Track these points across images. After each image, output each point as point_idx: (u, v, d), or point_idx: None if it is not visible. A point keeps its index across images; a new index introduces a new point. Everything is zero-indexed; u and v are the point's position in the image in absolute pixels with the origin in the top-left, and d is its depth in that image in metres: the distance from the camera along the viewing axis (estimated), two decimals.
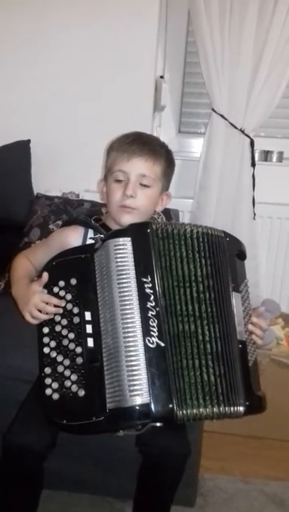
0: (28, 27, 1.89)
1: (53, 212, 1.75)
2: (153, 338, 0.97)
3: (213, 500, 1.50)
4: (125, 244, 1.03)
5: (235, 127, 1.86)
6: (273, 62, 1.78)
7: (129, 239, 1.03)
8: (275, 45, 1.76)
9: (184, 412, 0.96)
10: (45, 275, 1.10)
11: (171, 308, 1.01)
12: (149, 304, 0.99)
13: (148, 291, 1.00)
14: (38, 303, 1.09)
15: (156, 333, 0.98)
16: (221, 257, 1.08)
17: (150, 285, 1.00)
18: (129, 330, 0.98)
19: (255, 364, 1.09)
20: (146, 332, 0.98)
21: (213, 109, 1.87)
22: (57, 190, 1.93)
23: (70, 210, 1.77)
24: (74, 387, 1.01)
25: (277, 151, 2.00)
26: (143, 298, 1.00)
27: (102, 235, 1.17)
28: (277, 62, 1.77)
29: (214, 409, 0.98)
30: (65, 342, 1.05)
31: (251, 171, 1.91)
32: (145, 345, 0.97)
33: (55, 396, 1.03)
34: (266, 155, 2.01)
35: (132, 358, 0.97)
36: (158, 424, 0.99)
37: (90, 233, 1.24)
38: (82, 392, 1.00)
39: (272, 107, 1.84)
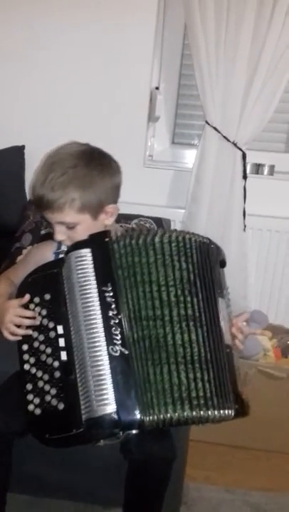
0: (25, 35, 1.90)
1: (45, 218, 1.75)
2: (116, 347, 0.98)
3: (197, 509, 1.50)
4: (85, 255, 1.04)
5: (228, 140, 1.88)
6: (267, 76, 1.80)
7: (88, 250, 1.04)
8: (269, 60, 1.78)
9: (152, 417, 0.97)
10: (27, 296, 1.11)
11: (136, 315, 1.01)
12: (110, 313, 1.00)
13: (109, 299, 1.00)
14: (12, 318, 1.10)
15: (120, 341, 0.98)
16: (204, 261, 1.08)
17: (111, 293, 1.01)
18: (94, 340, 0.99)
19: (236, 367, 1.10)
20: (109, 341, 0.98)
21: (206, 122, 1.89)
22: None
23: None
24: (54, 401, 1.02)
25: (269, 165, 2.02)
26: (104, 307, 1.00)
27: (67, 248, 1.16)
28: (270, 77, 1.80)
29: (188, 412, 0.98)
30: (43, 357, 1.05)
31: (243, 183, 1.93)
32: (109, 354, 0.98)
33: (37, 411, 1.03)
34: (258, 168, 2.04)
35: (98, 368, 0.98)
36: (133, 432, 1.00)
37: (63, 246, 1.24)
38: (61, 406, 1.01)
39: (265, 121, 1.86)
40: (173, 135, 2.10)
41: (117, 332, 0.99)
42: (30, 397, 1.05)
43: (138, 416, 0.95)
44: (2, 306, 1.15)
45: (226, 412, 1.01)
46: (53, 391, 1.02)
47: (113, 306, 1.00)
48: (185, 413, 0.98)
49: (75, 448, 1.30)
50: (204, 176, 1.93)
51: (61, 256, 1.16)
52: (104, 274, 1.02)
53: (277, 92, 1.83)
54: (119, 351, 0.98)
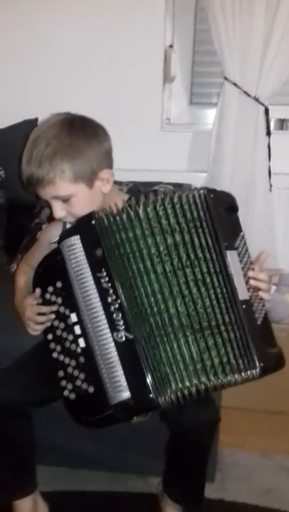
0: (37, 5, 1.84)
1: (40, 198, 1.71)
2: (120, 333, 0.97)
3: (233, 475, 1.50)
4: (75, 242, 1.01)
5: (249, 95, 1.79)
6: (287, 25, 1.69)
7: (77, 236, 1.01)
8: (288, 9, 1.67)
9: (166, 397, 0.96)
10: (38, 291, 1.11)
11: (134, 295, 0.98)
12: (109, 299, 0.98)
13: (105, 285, 0.98)
14: (30, 316, 1.12)
15: (123, 326, 0.97)
16: (200, 216, 1.01)
17: (106, 279, 0.98)
18: (99, 329, 0.99)
19: (266, 320, 1.05)
20: (112, 328, 0.98)
21: (225, 78, 1.80)
22: None
23: None
24: (84, 385, 1.04)
25: None
26: (103, 293, 0.99)
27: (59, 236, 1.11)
28: None
29: (206, 382, 0.97)
30: (67, 344, 1.07)
31: (266, 140, 1.85)
32: (114, 340, 0.97)
33: (72, 396, 1.06)
34: (282, 123, 1.95)
35: (107, 356, 0.99)
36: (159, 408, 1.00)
37: (68, 225, 1.21)
38: (91, 389, 1.03)
39: (287, 74, 1.76)
40: (190, 95, 2.01)
41: (119, 317, 0.98)
42: (63, 383, 1.07)
43: (152, 398, 0.95)
44: (21, 304, 1.18)
45: (249, 373, 0.99)
46: (82, 376, 1.04)
47: (111, 291, 0.98)
48: (202, 383, 0.97)
49: None
50: (225, 136, 1.85)
51: None
52: (97, 260, 0.99)
53: None
54: (124, 336, 0.97)
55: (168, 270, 0.99)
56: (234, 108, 1.82)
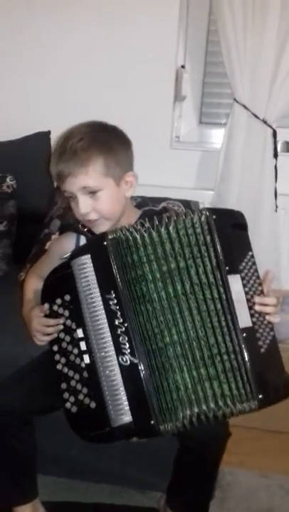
0: (50, 16, 1.88)
1: (66, 199, 1.73)
2: (126, 356, 0.97)
3: (233, 493, 1.49)
4: (86, 262, 1.02)
5: (258, 117, 1.82)
6: None
7: (88, 256, 1.01)
8: None
9: (167, 424, 0.97)
10: (46, 306, 1.11)
11: (139, 320, 0.98)
12: (117, 321, 0.98)
13: (113, 307, 0.98)
14: (37, 327, 1.12)
15: (128, 350, 0.97)
16: (203, 241, 1.00)
17: (115, 301, 0.99)
18: (105, 350, 0.99)
19: (273, 346, 1.01)
20: (118, 351, 0.98)
21: (234, 99, 1.83)
22: None
23: None
24: (86, 400, 1.03)
25: None
26: (110, 315, 0.99)
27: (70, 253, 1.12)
28: None
29: (203, 413, 0.97)
30: (72, 357, 1.06)
31: (273, 162, 1.87)
32: (119, 363, 0.97)
33: (74, 409, 1.05)
34: None
35: (112, 378, 0.98)
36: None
37: (82, 238, 1.24)
38: (93, 405, 1.02)
39: None
40: (200, 114, 2.05)
41: (125, 341, 0.98)
42: (66, 395, 1.06)
43: (154, 425, 0.96)
44: (28, 315, 1.18)
45: (246, 405, 0.97)
46: (85, 390, 1.04)
47: (118, 314, 0.98)
48: (202, 413, 0.97)
49: None
50: (233, 156, 1.88)
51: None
52: (107, 281, 1.00)
53: None
54: (128, 360, 0.97)
55: (171, 296, 0.99)
56: (243, 129, 1.86)
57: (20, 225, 1.78)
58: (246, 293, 1.01)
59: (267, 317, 1.03)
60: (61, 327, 1.08)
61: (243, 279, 1.01)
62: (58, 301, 1.09)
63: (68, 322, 1.07)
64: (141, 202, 1.73)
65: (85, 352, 1.03)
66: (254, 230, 1.94)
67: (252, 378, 0.97)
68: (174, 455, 1.21)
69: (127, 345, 0.97)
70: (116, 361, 0.98)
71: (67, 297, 1.06)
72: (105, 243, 1.01)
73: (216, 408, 0.97)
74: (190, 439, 1.12)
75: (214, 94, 2.02)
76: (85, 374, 1.03)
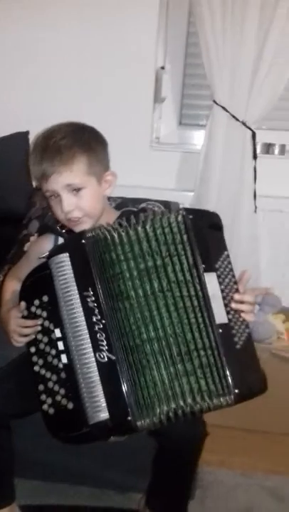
0: (27, 18, 1.86)
1: (48, 199, 1.72)
2: (103, 353, 0.97)
3: (213, 493, 1.50)
4: (64, 260, 1.02)
5: (237, 119, 1.84)
6: (276, 52, 1.74)
7: (66, 254, 1.02)
8: (278, 35, 1.72)
9: (144, 420, 0.96)
10: (23, 304, 1.11)
11: (116, 318, 0.99)
12: (94, 318, 0.98)
13: (91, 304, 0.99)
14: (14, 328, 1.12)
15: (106, 347, 0.97)
16: (180, 240, 1.02)
17: (93, 298, 0.99)
18: (82, 348, 0.99)
19: (248, 343, 1.03)
20: (95, 347, 0.98)
21: (214, 101, 1.84)
22: None
23: None
24: (64, 401, 1.03)
25: (280, 144, 1.98)
26: (88, 312, 0.99)
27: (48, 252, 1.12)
28: (280, 53, 1.74)
29: (179, 408, 0.97)
30: (49, 358, 1.06)
31: (253, 163, 1.89)
32: (97, 361, 0.97)
33: (51, 411, 1.05)
34: (268, 148, 1.99)
35: (89, 375, 0.98)
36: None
37: (61, 239, 1.24)
38: (70, 405, 1.02)
39: (275, 100, 1.81)
40: (180, 116, 2.06)
41: (103, 337, 0.98)
42: (43, 397, 1.06)
43: (130, 421, 0.95)
44: (6, 316, 1.18)
45: (222, 399, 0.98)
46: (62, 391, 1.03)
47: (96, 311, 0.99)
48: (180, 408, 0.97)
49: None
50: (213, 157, 1.89)
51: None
52: (84, 278, 1.00)
53: (287, 68, 1.77)
54: (106, 357, 0.97)
55: (148, 293, 1.00)
56: (222, 131, 1.87)
57: None
58: (222, 290, 1.03)
59: (242, 315, 1.04)
60: (38, 328, 1.08)
61: (218, 277, 1.03)
62: (36, 302, 1.08)
63: (46, 323, 1.07)
64: (121, 203, 1.73)
65: (62, 352, 1.02)
66: (234, 231, 1.95)
67: (228, 373, 0.98)
68: (153, 456, 1.21)
69: (105, 342, 0.97)
70: (93, 358, 0.98)
71: (45, 298, 1.06)
72: (83, 241, 1.02)
73: (192, 403, 0.97)
74: (167, 440, 1.13)
75: (194, 96, 2.03)
76: (63, 374, 1.03)
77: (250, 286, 1.13)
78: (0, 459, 1.21)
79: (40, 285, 1.08)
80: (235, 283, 1.06)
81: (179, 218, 1.03)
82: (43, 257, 1.08)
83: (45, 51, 1.90)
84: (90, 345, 0.98)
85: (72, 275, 1.01)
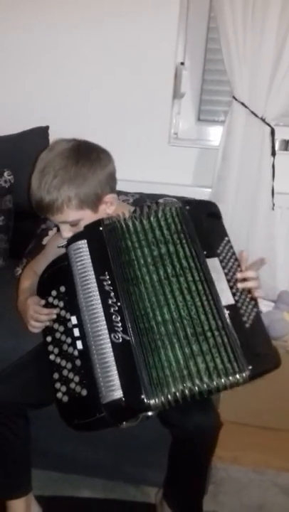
0: (50, 13, 1.87)
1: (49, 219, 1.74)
2: (118, 334, 1.01)
3: (225, 489, 1.51)
4: (82, 246, 1.08)
5: (256, 115, 1.83)
6: None
7: (85, 241, 1.08)
8: None
9: (157, 399, 0.97)
10: (42, 302, 1.16)
11: (131, 300, 1.03)
12: (110, 301, 1.03)
13: (107, 288, 1.04)
14: (32, 314, 1.17)
15: (121, 328, 1.01)
16: (185, 227, 1.09)
17: (109, 282, 1.04)
18: (98, 329, 1.03)
19: (257, 321, 1.05)
20: (110, 328, 1.01)
21: (233, 97, 1.83)
22: None
23: None
24: (78, 388, 1.05)
25: None
26: (104, 295, 1.04)
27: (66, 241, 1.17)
28: None
29: (193, 387, 0.98)
30: (65, 347, 1.09)
31: (271, 160, 1.88)
32: (112, 341, 1.00)
33: (65, 398, 1.07)
34: (287, 144, 1.98)
35: (103, 356, 1.01)
36: (149, 414, 1.02)
37: None
38: (84, 392, 1.04)
39: None
40: (199, 112, 2.05)
41: (118, 319, 1.02)
42: (57, 385, 1.09)
43: (143, 399, 0.97)
44: (25, 303, 1.22)
45: (238, 376, 0.99)
46: (76, 378, 1.06)
47: (112, 294, 1.03)
48: (196, 386, 0.98)
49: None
50: (231, 154, 1.88)
51: None
52: (101, 263, 1.06)
53: None
54: (121, 338, 1.01)
55: (162, 278, 1.05)
56: (241, 127, 1.86)
57: (18, 220, 1.78)
58: (226, 274, 1.07)
59: (252, 291, 1.07)
60: (54, 316, 1.12)
61: (221, 261, 1.08)
62: (54, 293, 1.14)
63: (62, 313, 1.11)
64: (139, 198, 1.74)
65: (78, 338, 1.06)
66: (251, 228, 1.95)
67: (240, 351, 1.00)
68: (168, 450, 1.22)
69: (120, 323, 1.01)
70: (108, 339, 1.01)
71: (62, 288, 1.11)
72: (101, 228, 1.09)
73: (208, 381, 0.99)
74: (181, 431, 1.14)
75: (213, 92, 2.02)
76: (78, 362, 1.06)
77: (267, 284, 1.15)
78: (17, 448, 1.24)
79: (57, 277, 1.13)
80: (239, 265, 1.10)
81: (178, 210, 1.11)
82: (61, 246, 1.14)
83: (66, 47, 1.91)
84: (106, 327, 1.02)
85: (90, 260, 1.06)
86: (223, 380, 0.99)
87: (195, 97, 2.02)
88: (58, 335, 1.11)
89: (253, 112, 1.83)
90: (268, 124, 1.84)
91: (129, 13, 1.84)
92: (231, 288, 1.06)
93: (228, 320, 1.02)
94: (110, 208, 1.21)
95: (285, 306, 1.82)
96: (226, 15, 1.72)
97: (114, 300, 1.02)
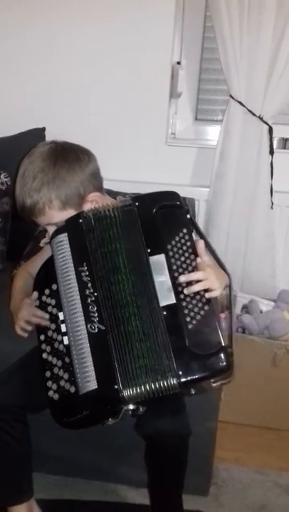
0: (43, 14, 1.87)
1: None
2: (94, 324, 1.02)
3: (227, 490, 1.50)
4: (63, 239, 1.09)
5: (254, 114, 1.82)
6: None
7: (65, 234, 1.10)
8: None
9: (131, 391, 0.98)
10: (35, 294, 1.17)
11: (108, 291, 1.04)
12: (87, 291, 1.04)
13: (85, 278, 1.05)
14: (25, 315, 1.18)
15: (97, 318, 1.02)
16: (132, 225, 1.08)
17: (87, 272, 1.05)
18: (75, 320, 1.03)
19: (206, 321, 1.01)
20: (87, 319, 1.02)
21: (230, 96, 1.83)
22: None
23: None
24: (67, 385, 1.05)
25: None
26: (82, 286, 1.05)
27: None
28: None
29: (153, 384, 0.98)
30: (56, 345, 1.10)
31: (269, 158, 1.87)
32: (88, 331, 1.01)
33: (56, 396, 1.07)
34: (285, 142, 1.97)
35: (80, 347, 1.02)
36: (130, 407, 1.02)
37: None
38: (73, 389, 1.04)
39: None
40: (196, 111, 2.05)
41: (94, 309, 1.03)
42: (49, 383, 1.08)
43: (117, 390, 0.97)
44: (17, 305, 1.24)
45: (168, 382, 0.97)
46: (66, 376, 1.06)
47: (89, 284, 1.05)
48: (155, 385, 0.98)
49: (103, 428, 1.32)
50: (229, 153, 1.88)
51: None
52: (80, 255, 1.07)
53: None
54: (97, 328, 1.02)
55: (119, 278, 1.05)
56: (238, 126, 1.85)
57: (15, 222, 1.77)
58: (174, 270, 1.04)
59: (206, 294, 1.03)
60: (47, 318, 1.12)
61: (171, 257, 1.05)
62: (47, 291, 1.15)
63: (54, 310, 1.12)
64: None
65: (64, 334, 1.07)
66: (250, 227, 1.94)
67: (173, 355, 0.98)
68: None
69: (96, 313, 1.02)
70: (85, 330, 1.02)
71: (54, 286, 1.12)
72: (80, 221, 1.10)
73: (152, 383, 0.98)
74: (148, 433, 1.15)
75: (210, 91, 2.01)
76: (66, 359, 1.06)
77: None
78: (18, 453, 1.23)
79: (50, 275, 1.13)
80: (194, 259, 1.06)
81: (126, 206, 1.10)
82: (47, 242, 1.17)
83: (62, 48, 1.90)
84: (83, 317, 1.02)
85: (70, 253, 1.08)
86: (162, 383, 0.98)
87: (192, 96, 2.02)
88: (50, 333, 1.12)
89: (250, 111, 1.82)
90: (266, 123, 1.83)
91: (125, 13, 1.83)
92: (176, 286, 1.03)
93: (163, 321, 1.00)
94: (96, 206, 1.19)
95: (285, 305, 1.81)
96: (222, 13, 1.71)
97: (92, 290, 1.03)
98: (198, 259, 1.06)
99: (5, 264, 1.75)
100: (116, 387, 0.97)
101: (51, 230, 1.17)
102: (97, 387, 0.98)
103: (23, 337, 1.23)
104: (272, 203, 1.91)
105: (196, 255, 1.06)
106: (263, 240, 1.93)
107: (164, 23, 1.85)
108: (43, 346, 1.12)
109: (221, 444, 1.45)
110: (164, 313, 1.01)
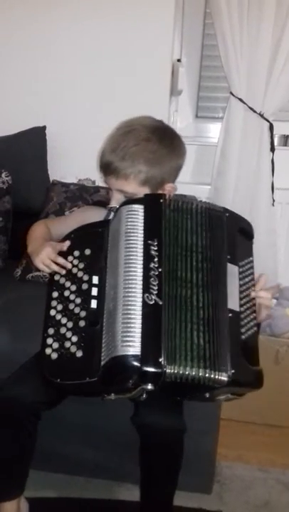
0: (46, 12, 1.86)
1: (68, 199, 1.74)
2: (152, 296, 0.99)
3: (231, 488, 1.50)
4: (138, 210, 1.07)
5: (254, 111, 1.82)
6: None
7: (142, 206, 1.07)
8: None
9: (173, 369, 0.95)
10: (67, 242, 1.15)
11: (173, 273, 1.02)
12: (152, 265, 1.02)
13: (153, 252, 1.03)
14: (49, 252, 1.14)
15: (156, 292, 0.99)
16: (219, 230, 1.09)
17: (156, 248, 1.03)
18: (130, 287, 1.00)
19: (253, 340, 1.05)
20: (146, 289, 1.00)
21: (231, 93, 1.82)
22: (73, 177, 1.92)
23: (86, 197, 1.75)
24: (73, 348, 1.04)
25: None
26: (148, 258, 1.02)
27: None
28: None
29: (200, 371, 0.96)
30: (71, 306, 1.08)
31: (270, 156, 1.87)
32: (143, 301, 0.99)
33: (54, 355, 1.05)
34: (286, 139, 1.97)
35: (130, 312, 0.98)
36: (149, 387, 0.97)
37: (112, 216, 1.25)
38: (80, 354, 1.03)
39: None
40: (196, 109, 2.04)
41: (155, 283, 1.00)
42: (49, 341, 1.07)
43: (161, 363, 0.94)
44: (40, 245, 1.19)
45: (217, 375, 0.97)
46: (74, 338, 1.05)
47: (156, 259, 1.02)
48: (200, 372, 0.96)
49: (105, 427, 1.33)
50: (230, 150, 1.87)
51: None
52: (153, 230, 1.05)
53: None
54: (154, 300, 0.99)
55: (194, 264, 1.04)
56: (239, 123, 1.85)
57: (16, 221, 1.77)
58: (240, 285, 1.07)
59: (263, 310, 1.09)
60: (70, 265, 1.11)
61: (240, 273, 1.08)
62: (76, 253, 1.13)
63: (80, 273, 1.10)
64: None
65: (94, 297, 1.06)
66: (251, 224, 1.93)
67: (229, 354, 0.99)
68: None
69: (156, 287, 1.00)
70: (140, 298, 0.98)
71: (88, 251, 1.11)
72: (161, 201, 1.08)
73: (196, 369, 0.97)
74: (144, 430, 1.15)
75: (210, 88, 2.01)
76: (81, 323, 1.05)
77: (268, 280, 1.16)
78: (26, 449, 1.21)
79: (86, 239, 1.13)
80: (254, 285, 1.10)
81: (219, 213, 1.11)
82: (113, 207, 1.16)
83: (63, 46, 1.90)
84: (141, 286, 1.00)
85: (142, 224, 1.05)
86: (212, 373, 0.96)
87: (192, 93, 2.02)
88: (67, 293, 1.10)
89: (251, 108, 1.82)
90: (267, 120, 1.83)
91: (125, 11, 1.83)
92: (241, 299, 1.06)
93: (226, 322, 1.01)
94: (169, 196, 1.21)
95: (287, 302, 1.80)
96: (222, 10, 1.71)
97: (157, 265, 1.01)
98: (258, 287, 1.11)
99: (7, 263, 1.75)
100: (160, 359, 0.94)
101: (117, 196, 1.18)
102: (138, 353, 0.94)
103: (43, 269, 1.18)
104: (274, 200, 1.91)
105: (254, 285, 1.10)
106: (264, 237, 1.93)
107: (164, 20, 1.85)
108: (54, 303, 1.10)
109: (223, 442, 1.45)
110: (230, 315, 1.02)
